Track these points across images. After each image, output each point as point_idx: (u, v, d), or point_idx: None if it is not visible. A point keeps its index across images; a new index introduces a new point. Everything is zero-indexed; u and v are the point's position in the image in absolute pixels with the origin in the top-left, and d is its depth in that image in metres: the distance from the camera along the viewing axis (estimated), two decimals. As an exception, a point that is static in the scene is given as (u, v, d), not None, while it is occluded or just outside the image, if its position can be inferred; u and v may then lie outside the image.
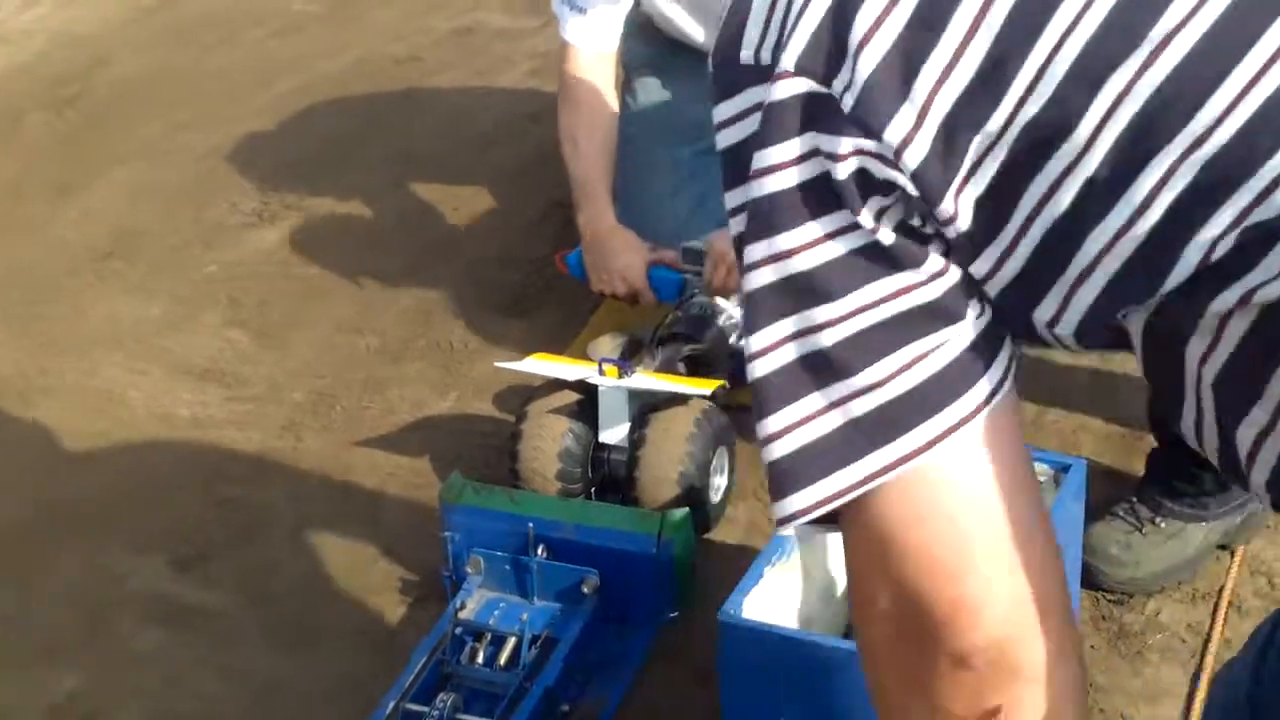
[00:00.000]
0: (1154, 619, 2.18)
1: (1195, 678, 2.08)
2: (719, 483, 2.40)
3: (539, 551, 2.17)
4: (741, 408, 2.62)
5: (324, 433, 2.70)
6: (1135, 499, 2.25)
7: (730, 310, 2.59)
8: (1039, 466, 1.91)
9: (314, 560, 2.41)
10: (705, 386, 2.39)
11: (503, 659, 2.10)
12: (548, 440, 2.37)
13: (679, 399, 2.38)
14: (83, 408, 2.81)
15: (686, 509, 2.22)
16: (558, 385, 2.42)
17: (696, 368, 2.53)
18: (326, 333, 2.99)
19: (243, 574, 2.39)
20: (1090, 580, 2.19)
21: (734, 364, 2.58)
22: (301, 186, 3.53)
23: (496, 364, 2.60)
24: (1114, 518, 2.23)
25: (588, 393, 2.40)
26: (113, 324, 3.07)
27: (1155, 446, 2.30)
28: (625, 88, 2.97)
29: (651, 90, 2.99)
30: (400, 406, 2.75)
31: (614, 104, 2.81)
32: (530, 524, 2.17)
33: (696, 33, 2.88)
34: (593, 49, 2.76)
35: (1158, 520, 2.21)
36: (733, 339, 2.59)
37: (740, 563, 1.90)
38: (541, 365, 2.48)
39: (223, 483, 2.59)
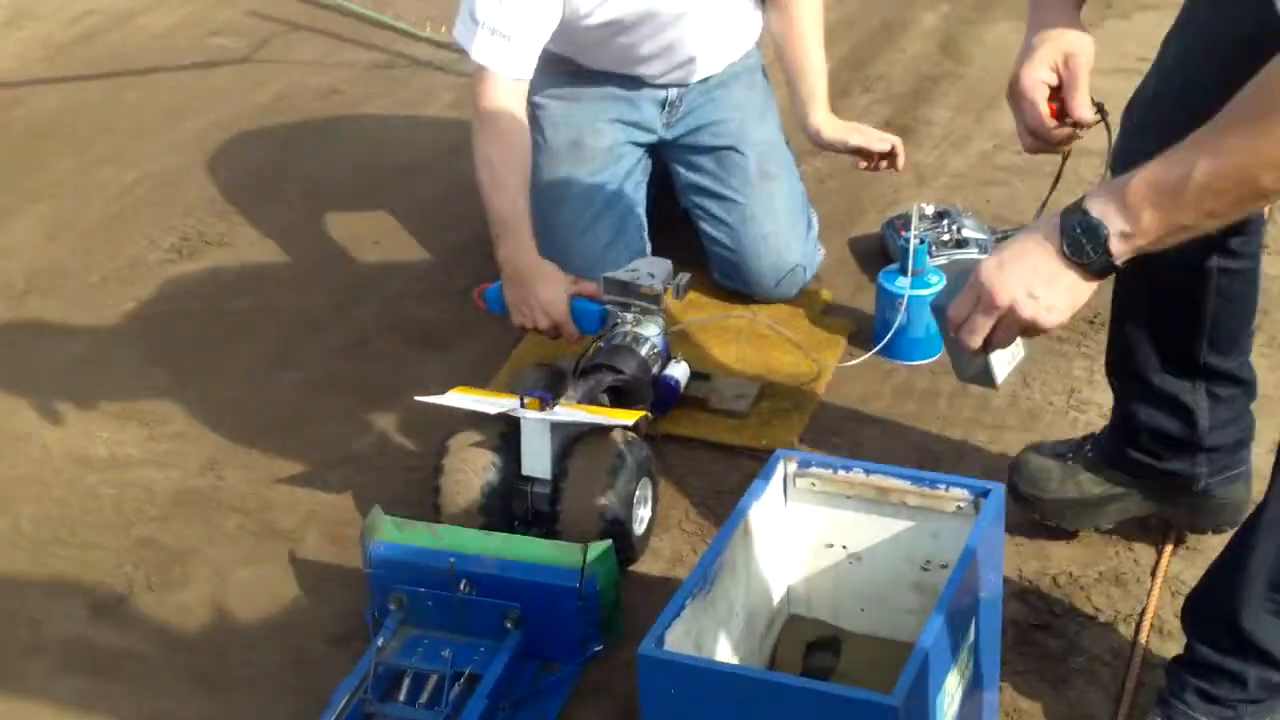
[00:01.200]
0: (1076, 643, 2.18)
1: (1119, 700, 2.08)
2: (642, 514, 2.39)
3: (461, 586, 2.16)
4: (665, 438, 2.62)
5: (244, 470, 2.67)
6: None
7: (653, 340, 2.58)
8: (958, 492, 1.91)
9: (235, 601, 2.38)
10: (628, 417, 2.38)
11: (425, 697, 2.08)
12: (470, 474, 2.35)
13: (602, 430, 2.37)
14: (-3, 450, 2.77)
15: (609, 541, 2.21)
16: (480, 419, 2.40)
17: (619, 398, 2.52)
18: (246, 369, 2.97)
19: (162, 617, 2.36)
20: None
21: (657, 394, 2.57)
22: (221, 222, 3.50)
23: (418, 398, 2.58)
24: None
25: (510, 425, 2.39)
26: (29, 364, 3.03)
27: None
28: (532, 120, 2.90)
29: (561, 121, 2.97)
30: (322, 443, 2.73)
31: (529, 134, 2.77)
32: (452, 559, 2.16)
33: (615, 55, 2.86)
34: (511, 76, 2.72)
35: None
36: (655, 368, 2.58)
37: (665, 595, 1.89)
38: (463, 399, 2.47)
39: (142, 524, 2.56)
